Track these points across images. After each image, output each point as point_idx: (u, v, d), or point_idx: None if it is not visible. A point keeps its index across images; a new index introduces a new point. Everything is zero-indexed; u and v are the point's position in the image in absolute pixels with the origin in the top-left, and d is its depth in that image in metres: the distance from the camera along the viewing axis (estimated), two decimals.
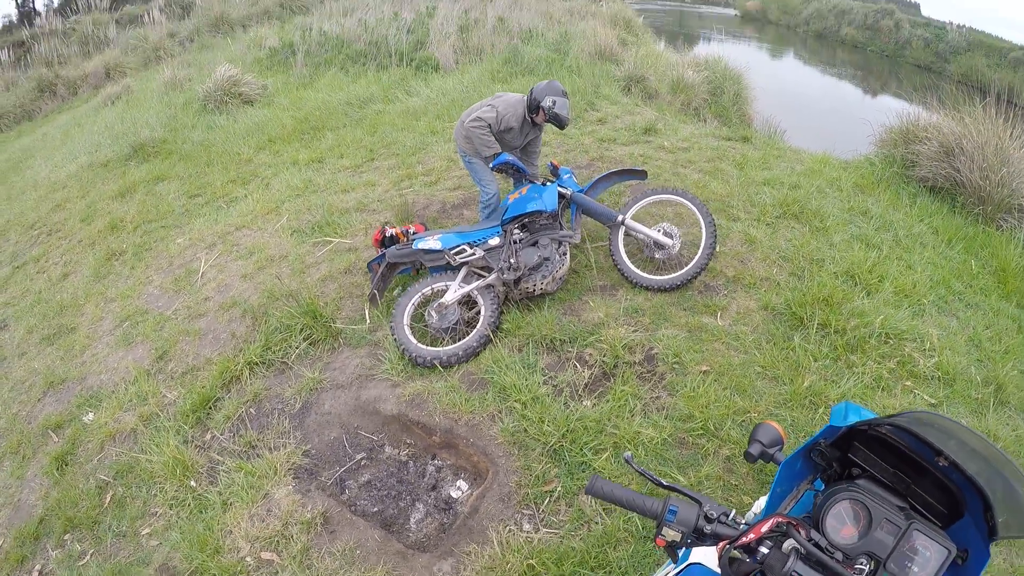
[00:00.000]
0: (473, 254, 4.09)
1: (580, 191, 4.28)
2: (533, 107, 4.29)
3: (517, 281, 4.04)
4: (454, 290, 3.99)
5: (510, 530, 2.85)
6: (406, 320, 3.95)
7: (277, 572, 2.92)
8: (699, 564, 1.40)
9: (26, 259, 6.85)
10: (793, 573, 1.11)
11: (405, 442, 3.54)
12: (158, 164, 8.07)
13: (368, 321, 4.23)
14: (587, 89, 7.81)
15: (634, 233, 4.18)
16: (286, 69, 11.48)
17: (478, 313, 4.03)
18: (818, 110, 15.45)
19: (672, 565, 1.58)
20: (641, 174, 4.28)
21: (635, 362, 3.54)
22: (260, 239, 5.57)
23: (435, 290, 4.13)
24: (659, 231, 4.14)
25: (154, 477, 3.53)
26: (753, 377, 3.38)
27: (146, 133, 8.96)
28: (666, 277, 4.05)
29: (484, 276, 4.13)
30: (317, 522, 3.06)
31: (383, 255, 4.28)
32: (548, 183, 4.25)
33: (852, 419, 1.36)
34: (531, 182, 4.28)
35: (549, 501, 2.95)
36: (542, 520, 2.90)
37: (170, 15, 19.43)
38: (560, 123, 4.31)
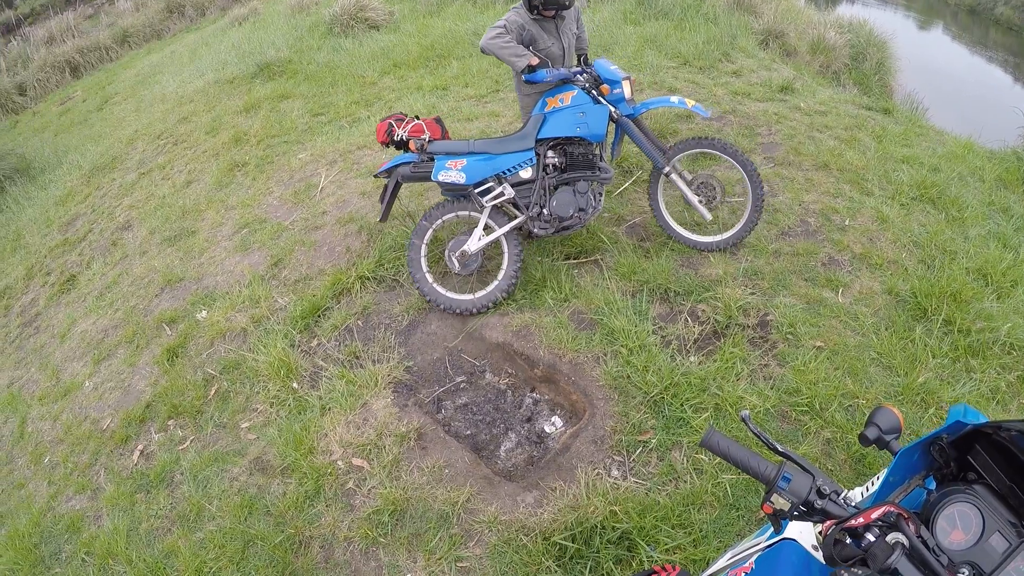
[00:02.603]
0: (502, 193, 3.90)
1: (630, 114, 3.92)
2: (529, 3, 3.88)
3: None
4: (478, 237, 3.91)
5: (598, 473, 2.97)
6: (423, 263, 3.97)
7: (365, 479, 3.18)
8: (792, 540, 1.41)
9: (152, 166, 7.56)
10: (895, 568, 1.11)
11: (506, 371, 3.71)
12: (283, 83, 8.62)
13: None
14: (723, 39, 7.66)
15: (675, 185, 4.04)
16: None
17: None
18: (964, 91, 14.44)
19: (760, 536, 1.62)
20: (702, 114, 3.97)
21: (748, 326, 3.58)
22: (381, 159, 5.88)
23: (447, 222, 4.07)
24: (700, 199, 4.02)
25: (259, 375, 3.89)
26: (867, 362, 3.35)
27: (272, 53, 9.58)
28: (703, 239, 4.13)
29: (509, 213, 4.01)
30: (411, 436, 3.29)
31: (393, 165, 4.04)
32: (598, 98, 3.83)
33: (972, 420, 1.34)
34: (576, 85, 3.84)
35: (641, 451, 3.05)
36: (631, 469, 3.00)
37: None
38: (560, 4, 3.85)
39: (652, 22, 8.40)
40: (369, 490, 3.14)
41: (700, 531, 2.68)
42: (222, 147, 7.19)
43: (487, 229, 3.94)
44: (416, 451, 3.25)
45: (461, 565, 2.81)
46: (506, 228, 3.89)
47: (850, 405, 3.12)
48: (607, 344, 3.53)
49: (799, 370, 3.27)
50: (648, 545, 2.65)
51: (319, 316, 4.23)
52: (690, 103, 3.87)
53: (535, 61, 3.78)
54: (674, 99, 3.89)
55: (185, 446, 3.76)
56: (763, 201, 3.96)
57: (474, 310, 3.88)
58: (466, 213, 3.98)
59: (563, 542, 2.71)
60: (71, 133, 11.19)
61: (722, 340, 3.51)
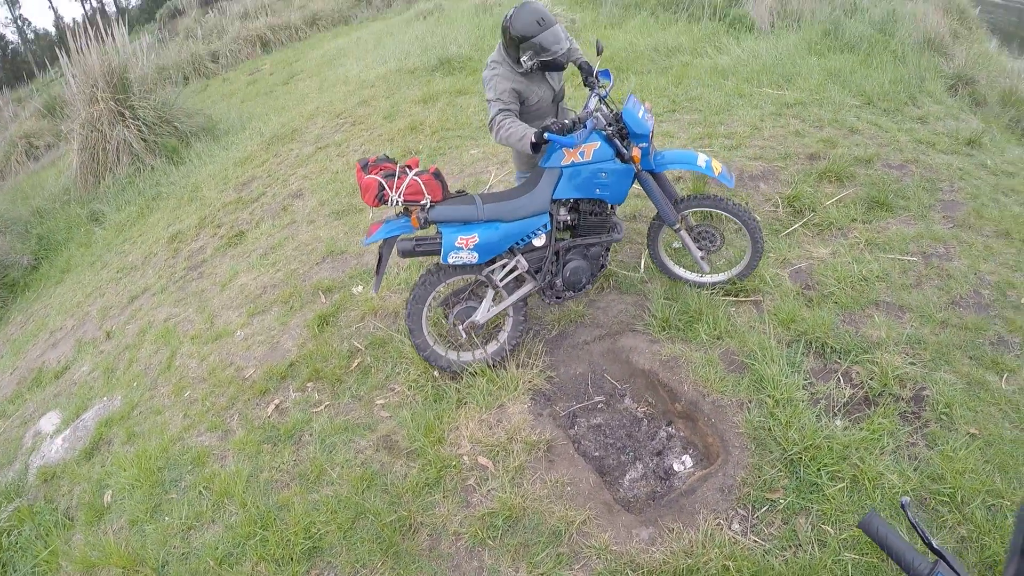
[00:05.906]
0: (515, 268, 3.68)
1: (649, 168, 3.62)
2: (518, 60, 3.51)
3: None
4: (486, 308, 3.79)
5: (719, 523, 2.93)
6: (425, 327, 3.81)
7: (487, 479, 3.29)
8: None
9: (329, 142, 8.17)
10: None
11: (646, 400, 3.72)
12: (462, 79, 9.08)
13: (642, 271, 4.44)
14: (911, 81, 7.26)
15: (681, 242, 3.96)
16: (595, 7, 12.14)
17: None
18: None
19: None
20: (727, 183, 3.72)
21: (902, 398, 3.40)
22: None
23: (451, 284, 3.92)
24: (701, 254, 4.00)
25: (403, 357, 4.11)
26: (1021, 459, 3.08)
27: (453, 49, 10.12)
28: (702, 279, 4.18)
29: (519, 281, 3.83)
30: (541, 447, 3.37)
31: (387, 235, 3.56)
32: (623, 152, 3.45)
33: None
34: (598, 129, 3.38)
35: (767, 510, 2.97)
36: (753, 527, 2.93)
37: None
38: (558, 67, 3.56)
39: (837, 55, 8.14)
40: (488, 491, 3.25)
41: None
42: (398, 133, 7.66)
43: (495, 297, 3.85)
44: (543, 462, 3.32)
45: None
46: (515, 298, 3.80)
47: (993, 504, 2.90)
48: (754, 391, 3.48)
49: (947, 456, 3.09)
50: None
51: None
52: (717, 169, 3.65)
53: (532, 138, 3.39)
54: (701, 161, 3.63)
55: (319, 410, 4.02)
56: (760, 258, 4.04)
57: (469, 369, 3.86)
58: (470, 277, 3.81)
59: None
60: (256, 102, 12.32)
61: (872, 408, 3.37)
